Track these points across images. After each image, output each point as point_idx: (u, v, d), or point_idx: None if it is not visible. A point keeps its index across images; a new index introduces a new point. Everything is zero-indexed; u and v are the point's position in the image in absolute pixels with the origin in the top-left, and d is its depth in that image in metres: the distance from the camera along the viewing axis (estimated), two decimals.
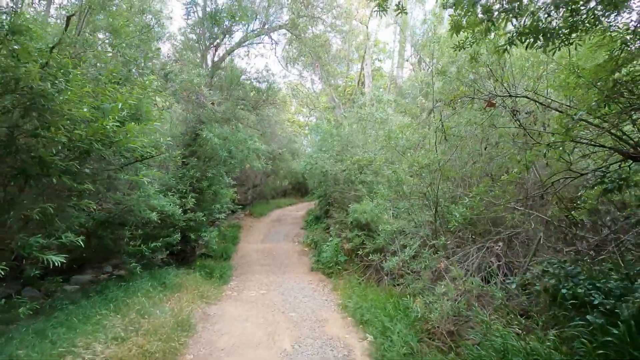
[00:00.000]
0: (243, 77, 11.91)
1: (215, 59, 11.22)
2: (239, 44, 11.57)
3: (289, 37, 14.08)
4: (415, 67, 16.92)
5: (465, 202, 5.20)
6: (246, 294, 8.67)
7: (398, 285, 8.19)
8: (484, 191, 5.04)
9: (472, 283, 5.37)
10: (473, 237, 6.76)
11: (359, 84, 17.84)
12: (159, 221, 7.33)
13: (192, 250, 10.77)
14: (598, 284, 3.78)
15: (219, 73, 11.09)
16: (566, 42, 3.62)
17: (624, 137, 4.05)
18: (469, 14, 3.76)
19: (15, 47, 4.09)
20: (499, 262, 6.36)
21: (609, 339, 3.17)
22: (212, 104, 9.00)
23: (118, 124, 4.69)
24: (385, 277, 8.34)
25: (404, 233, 7.41)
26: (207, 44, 12.54)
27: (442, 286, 5.26)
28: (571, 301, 3.79)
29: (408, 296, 5.40)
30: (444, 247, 5.95)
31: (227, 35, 10.98)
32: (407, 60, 17.90)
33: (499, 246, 6.55)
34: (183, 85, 8.09)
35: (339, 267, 9.73)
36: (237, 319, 6.81)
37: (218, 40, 10.27)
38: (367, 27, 17.47)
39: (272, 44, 13.59)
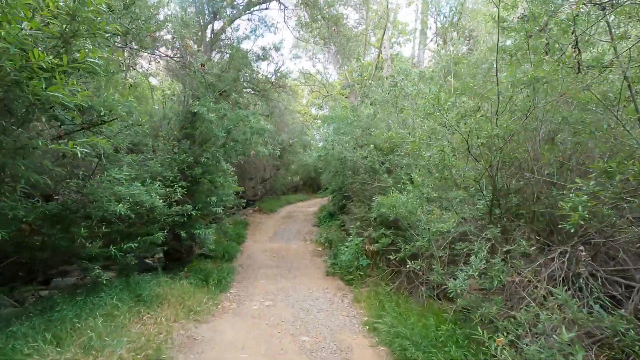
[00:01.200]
0: (249, 55, 10.13)
1: (216, 28, 9.42)
2: (245, 8, 9.72)
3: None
4: (440, 47, 14.91)
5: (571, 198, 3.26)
6: (248, 306, 6.85)
7: (437, 298, 6.30)
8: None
9: (574, 309, 3.43)
10: (544, 238, 4.81)
11: (377, 69, 15.97)
12: (134, 215, 5.55)
13: (188, 250, 9.01)
14: None
15: (218, 44, 9.28)
16: None
17: None
18: None
19: None
20: (589, 274, 4.43)
21: None
22: (202, 66, 7.21)
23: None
24: (422, 288, 6.45)
25: (450, 233, 5.49)
26: (207, 19, 10.75)
27: (536, 314, 3.35)
28: None
29: (478, 328, 3.51)
30: (524, 254, 4.02)
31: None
32: (431, 40, 15.90)
33: (584, 253, 4.60)
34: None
35: (361, 273, 7.85)
36: (232, 346, 4.98)
37: (218, 3, 8.45)
38: (386, 2, 15.49)
39: (280, 8, 11.74)
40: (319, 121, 26.01)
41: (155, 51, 7.84)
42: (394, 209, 6.68)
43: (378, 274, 7.71)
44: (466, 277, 3.86)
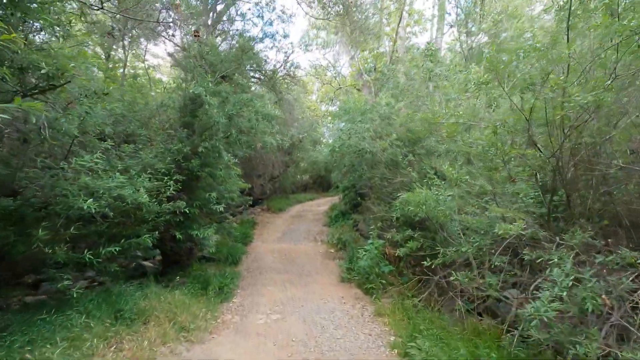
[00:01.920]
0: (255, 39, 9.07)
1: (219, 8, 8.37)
2: None
3: None
4: (461, 34, 13.68)
5: None
6: (252, 320, 5.78)
7: (478, 314, 5.15)
8: None
9: None
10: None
11: (391, 61, 14.81)
12: (116, 214, 4.52)
13: (188, 252, 7.97)
14: None
15: (221, 28, 8.21)
16: None
17: None
18: None
19: None
20: None
21: None
22: (196, 34, 6.15)
23: None
24: (458, 301, 5.30)
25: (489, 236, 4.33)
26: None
27: None
28: None
29: None
30: (628, 265, 2.87)
31: None
32: (451, 27, 14.68)
33: None
34: None
35: (382, 281, 6.71)
36: None
37: None
38: None
39: None
40: (329, 118, 24.90)
41: (155, 31, 6.82)
42: (423, 207, 5.55)
43: (402, 283, 6.59)
44: (550, 299, 2.71)
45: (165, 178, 5.27)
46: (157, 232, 5.74)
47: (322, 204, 21.06)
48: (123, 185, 4.39)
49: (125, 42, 10.97)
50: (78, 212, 4.10)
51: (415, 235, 6.06)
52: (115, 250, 4.55)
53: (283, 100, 12.59)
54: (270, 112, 7.04)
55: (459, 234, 4.96)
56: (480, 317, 5.06)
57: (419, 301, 5.88)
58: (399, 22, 14.15)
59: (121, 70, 12.14)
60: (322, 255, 10.46)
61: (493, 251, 4.32)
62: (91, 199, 3.83)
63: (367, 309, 6.32)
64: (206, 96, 5.70)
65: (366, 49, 13.79)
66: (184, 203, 5.36)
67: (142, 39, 10.89)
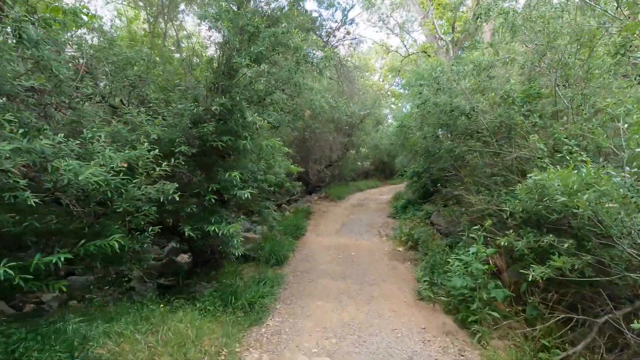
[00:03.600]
0: None
1: None
2: None
3: None
4: None
5: None
6: None
7: None
8: None
9: None
10: None
11: (476, 19, 11.60)
12: (68, 201, 2.60)
13: (219, 251, 6.11)
14: None
15: None
16: None
17: None
18: None
19: None
20: None
21: None
22: None
23: None
24: None
25: None
26: None
27: None
28: None
29: None
30: None
31: None
32: None
33: None
34: None
35: (493, 312, 4.11)
36: None
37: None
38: None
39: None
40: (392, 99, 21.95)
41: None
42: (587, 195, 2.91)
43: (528, 319, 3.96)
44: None
45: (145, 148, 3.26)
46: (157, 228, 3.83)
47: (385, 192, 18.46)
48: (58, 155, 2.44)
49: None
50: None
51: (569, 245, 3.38)
52: (59, 260, 2.65)
53: (341, 66, 10.20)
54: (317, 62, 4.68)
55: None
56: None
57: (571, 356, 3.26)
58: None
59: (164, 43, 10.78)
60: (389, 256, 8.04)
61: None
62: None
63: (467, 356, 3.84)
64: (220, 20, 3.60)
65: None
66: (172, 186, 3.32)
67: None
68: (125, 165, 3.27)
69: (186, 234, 3.93)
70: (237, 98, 4.01)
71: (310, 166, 14.63)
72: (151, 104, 4.85)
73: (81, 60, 5.09)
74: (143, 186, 3.03)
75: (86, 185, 2.56)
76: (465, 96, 5.13)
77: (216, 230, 4.00)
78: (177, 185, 3.34)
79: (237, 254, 4.39)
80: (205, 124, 4.02)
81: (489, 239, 4.45)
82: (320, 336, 4.37)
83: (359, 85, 13.37)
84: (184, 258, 7.93)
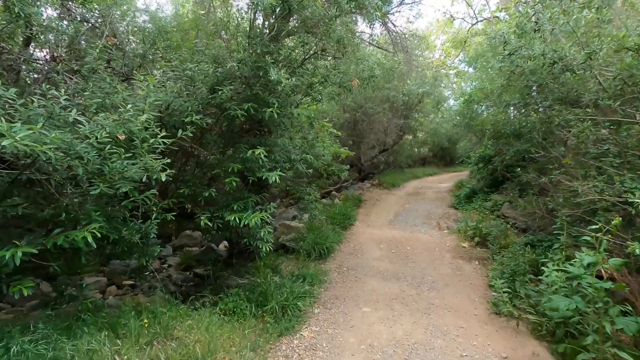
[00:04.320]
0: None
1: None
2: None
3: None
4: None
5: None
6: None
7: None
8: None
9: None
10: None
11: None
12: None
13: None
14: None
15: None
16: None
17: None
18: None
19: None
20: None
21: None
22: None
23: None
24: None
25: None
26: None
27: None
28: None
29: None
30: None
31: None
32: None
33: None
34: None
35: (620, 351, 2.79)
36: None
37: None
38: None
39: None
40: (454, 79, 19.75)
41: None
42: None
43: None
44: None
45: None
46: (170, 215, 3.11)
47: (445, 180, 16.75)
48: None
49: None
50: None
51: None
52: (15, 256, 1.97)
53: (396, 36, 8.82)
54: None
55: None
56: None
57: None
58: None
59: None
60: (452, 252, 6.77)
61: None
62: None
63: None
64: None
65: None
66: (159, 163, 2.48)
67: None
68: (123, 137, 2.54)
69: (201, 223, 3.15)
70: (258, 49, 3.10)
71: (362, 151, 13.48)
72: (162, 69, 4.14)
73: (107, 32, 4.55)
74: (119, 161, 2.25)
75: (21, 152, 1.82)
76: (577, 40, 3.64)
77: (237, 220, 3.16)
78: (169, 161, 2.53)
79: (265, 249, 3.53)
80: (222, 88, 3.17)
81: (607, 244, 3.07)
82: (366, 353, 3.40)
83: (417, 61, 11.79)
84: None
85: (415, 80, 11.45)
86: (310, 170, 5.01)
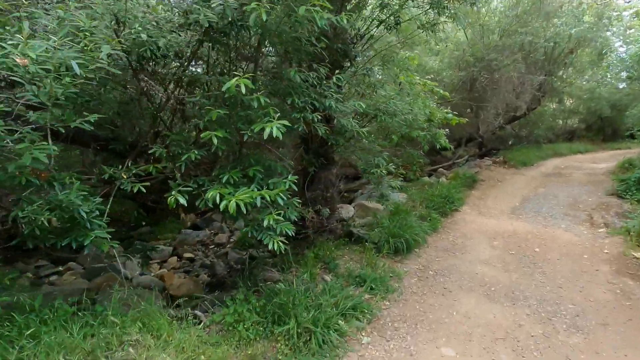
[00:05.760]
0: None
1: None
2: None
3: None
4: None
5: None
6: None
7: None
8: None
9: None
10: None
11: None
12: None
13: (317, 224, 4.21)
14: None
15: None
16: None
17: None
18: None
19: None
20: None
21: None
22: None
23: None
24: None
25: None
26: None
27: None
28: None
29: None
30: None
31: None
32: None
33: None
34: None
35: None
36: None
37: None
38: None
39: None
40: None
41: None
42: None
43: None
44: None
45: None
46: (139, 185, 2.13)
47: (603, 160, 12.36)
48: None
49: None
50: None
51: None
52: None
53: None
54: None
55: None
56: None
57: None
58: None
59: None
60: (614, 264, 4.29)
61: None
62: None
63: None
64: None
65: None
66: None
67: None
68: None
69: (170, 201, 2.05)
70: None
71: (482, 120, 10.65)
72: None
73: None
74: None
75: None
76: None
77: (215, 198, 1.95)
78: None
79: (274, 246, 2.26)
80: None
81: None
82: None
83: None
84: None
85: (567, 20, 8.06)
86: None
